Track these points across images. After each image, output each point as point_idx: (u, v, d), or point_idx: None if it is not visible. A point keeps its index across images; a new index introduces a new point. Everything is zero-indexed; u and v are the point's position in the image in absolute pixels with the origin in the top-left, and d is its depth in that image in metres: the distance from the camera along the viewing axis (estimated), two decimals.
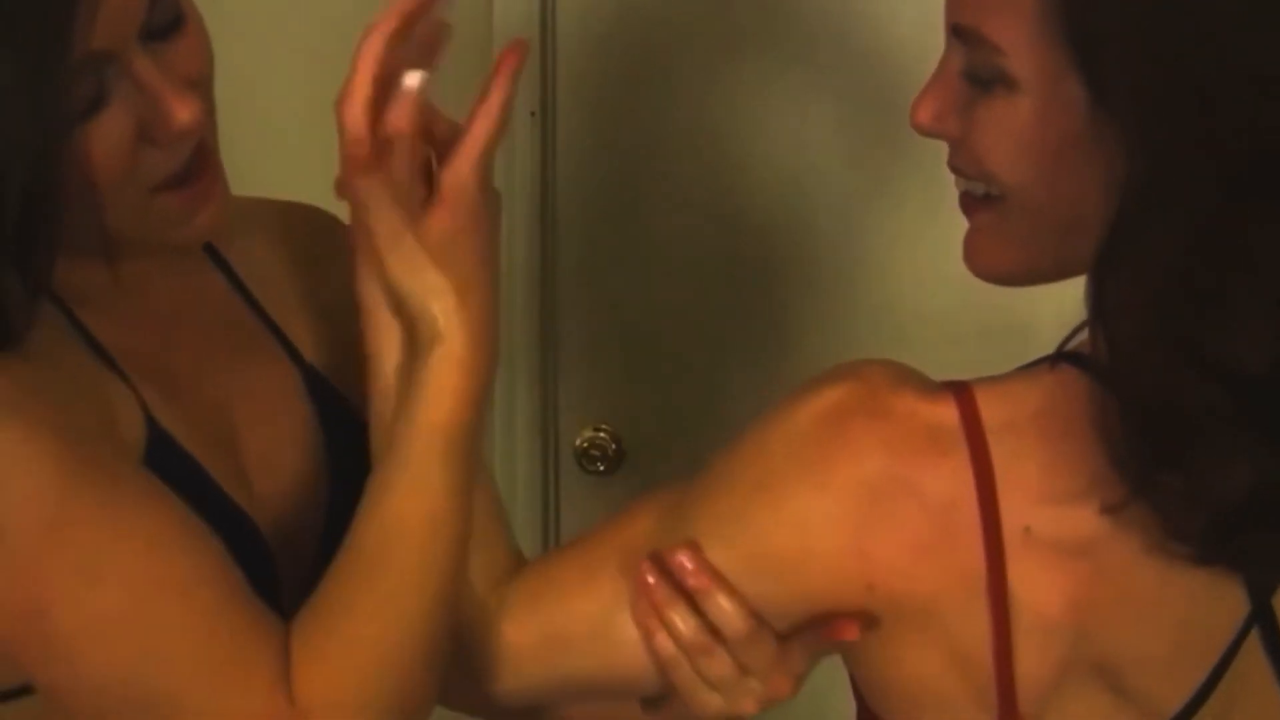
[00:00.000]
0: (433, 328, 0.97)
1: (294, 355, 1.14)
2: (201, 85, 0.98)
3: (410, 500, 0.98)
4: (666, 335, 1.82)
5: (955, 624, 0.94)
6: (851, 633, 0.95)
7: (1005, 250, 0.98)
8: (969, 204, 0.99)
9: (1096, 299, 0.91)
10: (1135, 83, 0.88)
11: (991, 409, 0.94)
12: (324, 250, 1.20)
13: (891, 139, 1.69)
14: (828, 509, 0.93)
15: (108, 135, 0.92)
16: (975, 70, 0.94)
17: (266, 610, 0.96)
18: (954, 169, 0.99)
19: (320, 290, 1.18)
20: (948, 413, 0.94)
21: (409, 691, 0.98)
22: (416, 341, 0.98)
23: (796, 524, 0.94)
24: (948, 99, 0.97)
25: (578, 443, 1.86)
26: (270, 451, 1.08)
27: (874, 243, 1.75)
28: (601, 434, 1.86)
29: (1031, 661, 0.94)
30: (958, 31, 0.95)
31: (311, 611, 0.97)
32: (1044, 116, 0.92)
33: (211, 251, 1.11)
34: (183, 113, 0.94)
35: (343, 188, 0.96)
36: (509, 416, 1.85)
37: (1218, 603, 0.96)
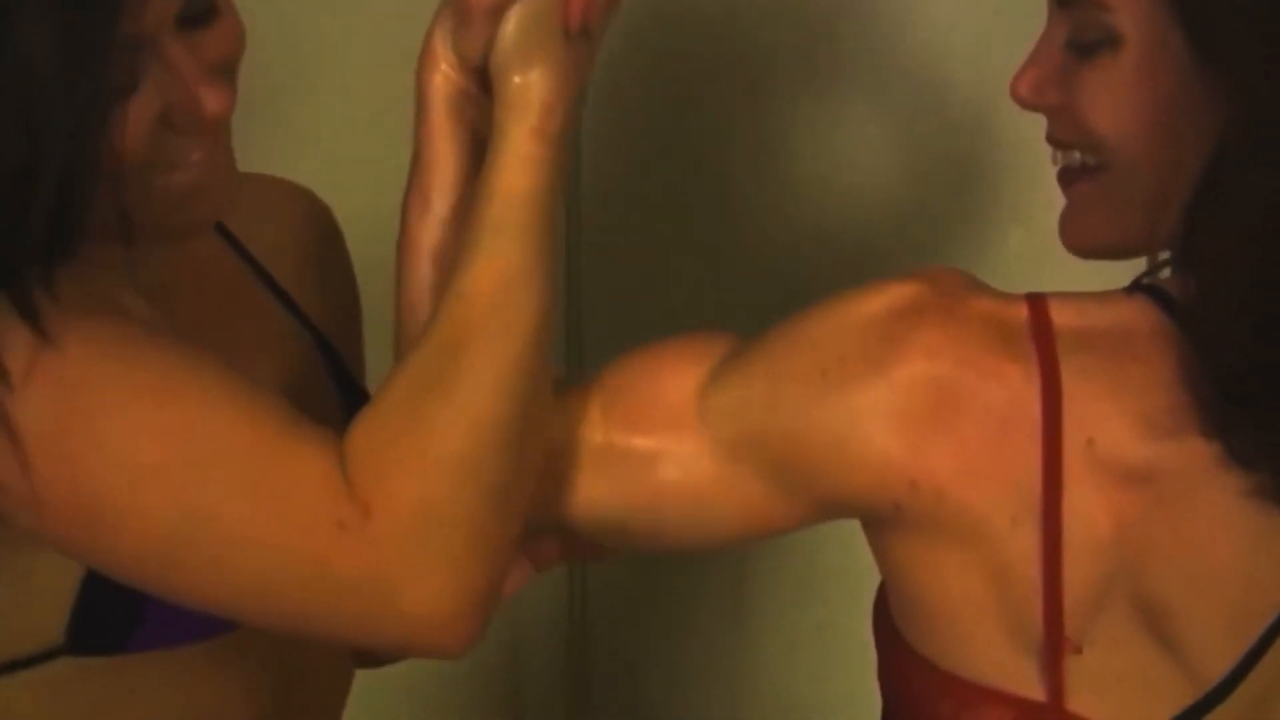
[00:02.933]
0: (520, 97, 0.93)
1: (310, 330, 1.14)
2: (231, 72, 0.97)
3: (487, 272, 0.92)
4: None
5: (1002, 536, 0.93)
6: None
7: (1103, 220, 1.00)
8: (1068, 176, 1.01)
9: (1187, 239, 0.93)
10: (1239, 31, 0.91)
11: (1065, 319, 0.95)
12: (326, 246, 1.22)
13: (943, 148, 1.71)
14: (890, 403, 0.93)
15: (135, 120, 0.91)
16: (1080, 34, 0.97)
17: (306, 423, 0.92)
18: (1054, 141, 1.02)
19: (323, 285, 1.19)
20: (1020, 318, 0.95)
21: (486, 498, 0.91)
22: (497, 117, 0.94)
23: (856, 415, 0.94)
24: (1048, 71, 1.00)
25: None
26: None
27: (920, 254, 1.74)
28: None
29: (1080, 582, 0.93)
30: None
31: (376, 404, 0.93)
32: (1148, 73, 0.95)
33: (219, 228, 1.10)
34: (212, 102, 0.94)
35: None
36: None
37: None
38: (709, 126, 1.77)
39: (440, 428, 0.90)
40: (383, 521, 0.89)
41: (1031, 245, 1.63)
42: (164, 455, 0.89)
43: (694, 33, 1.74)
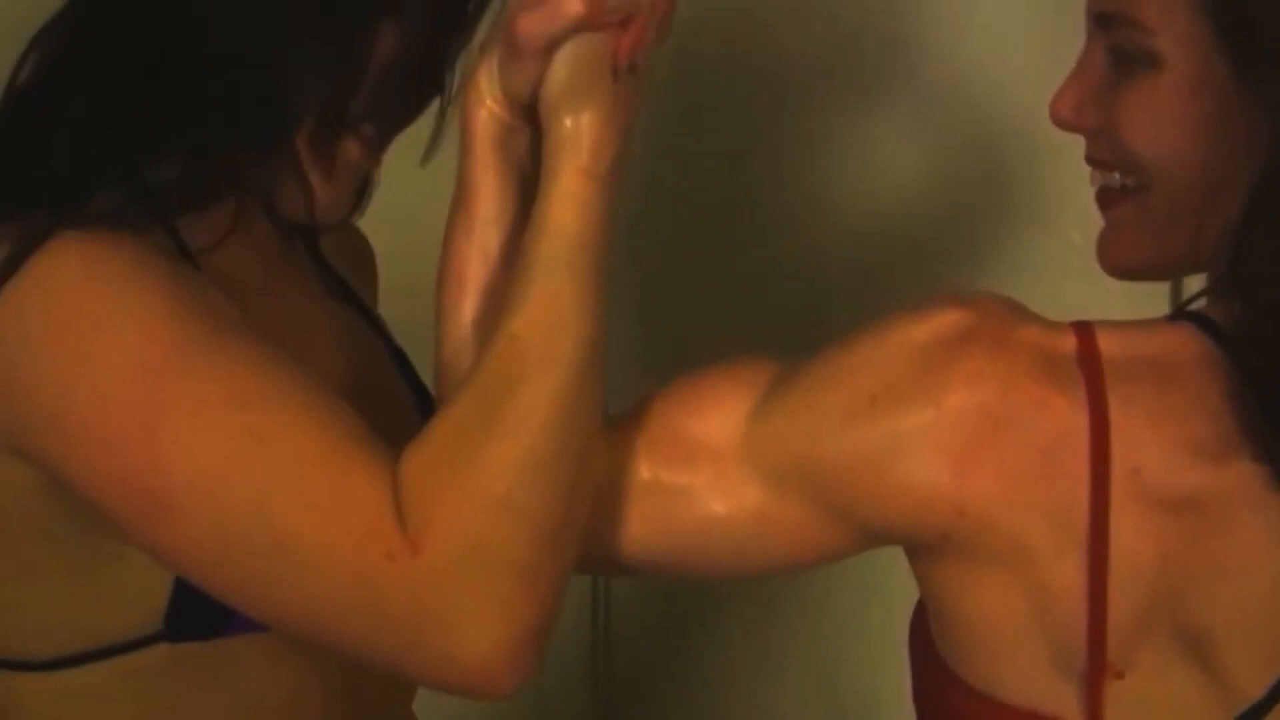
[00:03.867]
0: (571, 138, 0.93)
1: (381, 334, 1.16)
2: None
3: (536, 311, 0.92)
4: (720, 347, 1.81)
5: (1047, 563, 0.93)
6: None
7: (1141, 242, 1.00)
8: (1107, 198, 1.01)
9: (1235, 262, 0.93)
10: None
11: (1112, 348, 0.95)
12: (368, 271, 1.24)
13: (963, 156, 1.71)
14: (938, 431, 0.93)
15: (385, 43, 0.99)
16: (1121, 55, 0.97)
17: (377, 446, 0.93)
18: (1093, 161, 1.02)
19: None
20: (1067, 346, 0.95)
21: (536, 538, 0.91)
22: (547, 157, 0.94)
23: (903, 443, 0.94)
24: (1087, 92, 1.00)
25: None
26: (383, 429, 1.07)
27: (941, 262, 1.75)
28: None
29: (1124, 609, 0.93)
30: (1102, 20, 0.99)
31: (426, 439, 0.92)
32: (1189, 95, 0.95)
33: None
34: None
35: None
36: None
37: None
38: (730, 135, 1.77)
39: (490, 467, 0.90)
40: (431, 559, 0.89)
41: (1054, 253, 1.63)
42: (230, 454, 0.90)
43: (715, 44, 1.74)
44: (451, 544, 0.89)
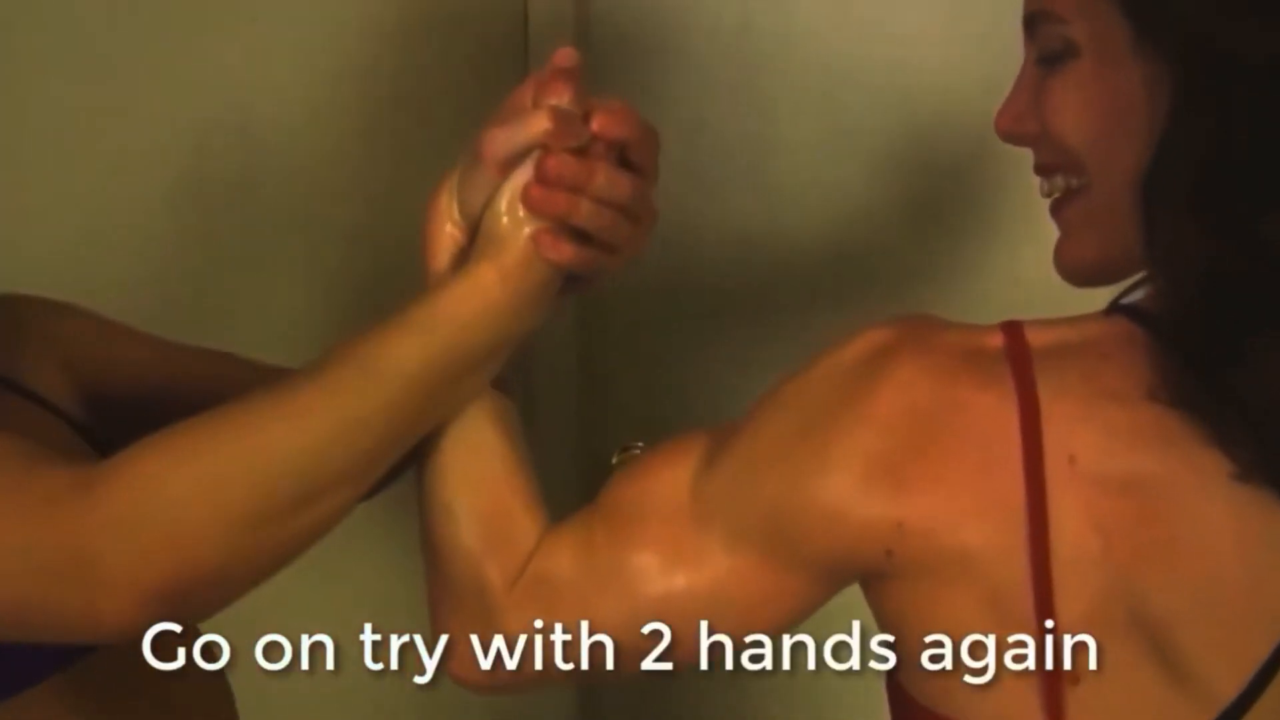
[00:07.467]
0: (505, 236, 0.97)
1: (59, 414, 1.15)
2: None
3: (379, 360, 0.95)
4: (704, 352, 1.82)
5: (992, 565, 0.92)
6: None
7: (1087, 242, 1.01)
8: (1057, 206, 1.03)
9: (1147, 236, 0.93)
10: (1175, 16, 0.93)
11: (1040, 341, 0.94)
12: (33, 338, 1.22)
13: (953, 166, 1.72)
14: (869, 445, 0.93)
15: None
16: (1046, 52, 0.99)
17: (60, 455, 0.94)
18: (1039, 169, 1.03)
19: (75, 366, 1.20)
20: (994, 344, 0.94)
21: (218, 504, 0.92)
22: (476, 246, 0.99)
23: (835, 462, 0.93)
24: (1024, 101, 1.02)
25: (614, 460, 1.83)
26: None
27: (916, 264, 1.75)
28: (637, 452, 1.83)
29: (1071, 604, 0.91)
30: (1028, 23, 1.01)
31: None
32: (1103, 74, 0.97)
33: None
34: None
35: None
36: (544, 434, 1.84)
37: None
38: (713, 145, 1.78)
39: (207, 444, 0.93)
40: (98, 494, 0.91)
41: (1043, 263, 1.63)
42: None
43: (700, 53, 1.75)
44: (121, 478, 0.91)
